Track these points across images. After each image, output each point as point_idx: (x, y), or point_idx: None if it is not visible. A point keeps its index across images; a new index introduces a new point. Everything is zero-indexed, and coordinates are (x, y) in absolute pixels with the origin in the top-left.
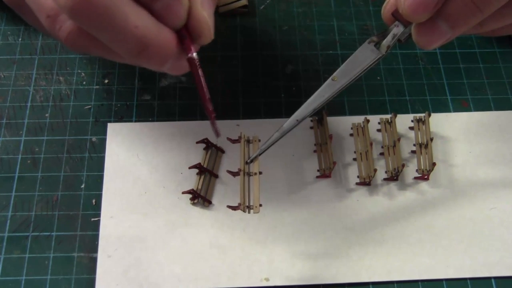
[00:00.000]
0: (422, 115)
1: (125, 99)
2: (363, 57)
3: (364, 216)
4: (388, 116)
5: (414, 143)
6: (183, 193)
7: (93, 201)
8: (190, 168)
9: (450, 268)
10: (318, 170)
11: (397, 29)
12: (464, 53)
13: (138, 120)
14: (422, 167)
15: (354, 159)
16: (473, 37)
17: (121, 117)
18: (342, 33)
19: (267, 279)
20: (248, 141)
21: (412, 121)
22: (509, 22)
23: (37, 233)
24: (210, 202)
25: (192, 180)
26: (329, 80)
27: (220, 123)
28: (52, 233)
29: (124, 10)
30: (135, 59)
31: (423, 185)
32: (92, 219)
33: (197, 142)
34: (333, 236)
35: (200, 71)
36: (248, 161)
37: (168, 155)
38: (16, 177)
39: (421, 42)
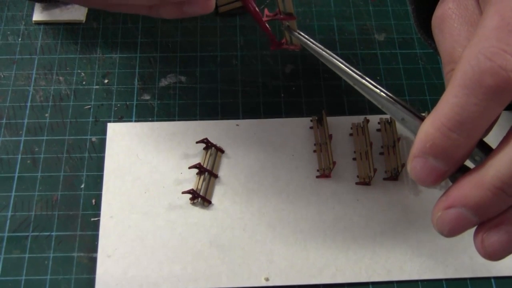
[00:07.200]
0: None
1: (125, 99)
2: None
3: (364, 215)
4: (388, 116)
5: None
6: (183, 193)
7: (93, 201)
8: (190, 168)
9: (449, 268)
10: (318, 170)
11: None
12: None
13: (138, 120)
14: None
15: (354, 159)
16: None
17: (120, 117)
18: (342, 33)
19: (266, 279)
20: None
21: None
22: None
23: (37, 233)
24: (209, 202)
25: (192, 180)
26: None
27: (219, 123)
28: (52, 233)
29: None
30: None
31: None
32: (92, 219)
33: (197, 142)
34: (332, 236)
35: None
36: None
37: (168, 155)
38: (16, 177)
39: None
